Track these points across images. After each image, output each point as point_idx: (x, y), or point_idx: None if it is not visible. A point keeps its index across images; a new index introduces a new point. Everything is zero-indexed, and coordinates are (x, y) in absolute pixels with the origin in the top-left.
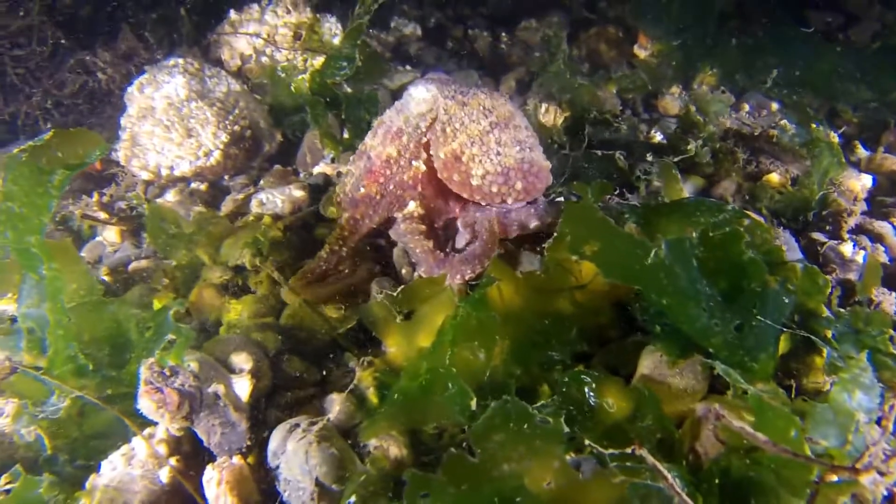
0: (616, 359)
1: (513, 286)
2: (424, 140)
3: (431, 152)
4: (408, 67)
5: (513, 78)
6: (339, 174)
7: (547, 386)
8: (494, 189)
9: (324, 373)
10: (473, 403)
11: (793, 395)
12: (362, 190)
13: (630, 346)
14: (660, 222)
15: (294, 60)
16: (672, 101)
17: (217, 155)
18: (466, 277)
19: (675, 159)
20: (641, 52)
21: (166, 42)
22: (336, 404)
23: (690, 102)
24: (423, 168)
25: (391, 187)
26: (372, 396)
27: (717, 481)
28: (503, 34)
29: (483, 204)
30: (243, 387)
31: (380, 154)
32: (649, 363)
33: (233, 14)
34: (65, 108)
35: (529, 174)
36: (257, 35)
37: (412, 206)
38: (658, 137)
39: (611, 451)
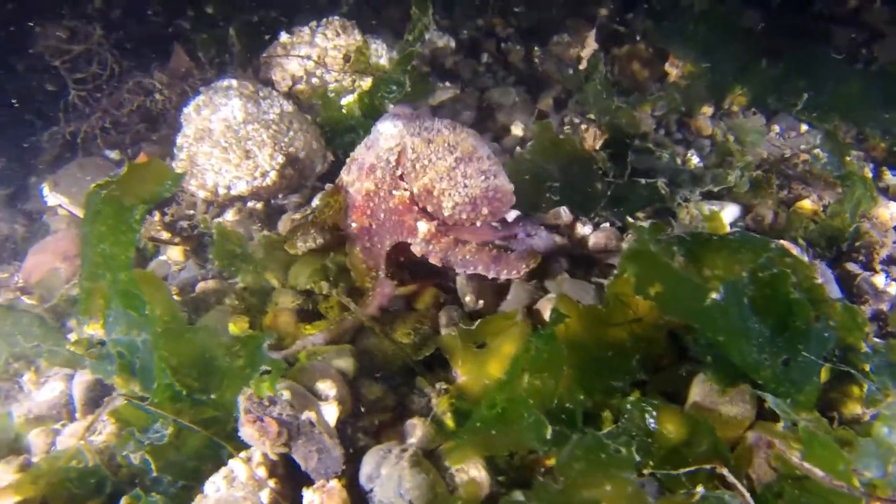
0: (668, 385)
1: (576, 318)
2: (398, 173)
3: (405, 186)
4: (447, 84)
5: (550, 96)
6: None
7: (609, 411)
8: (464, 216)
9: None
10: (549, 432)
11: (834, 425)
12: (354, 225)
13: (682, 374)
14: (706, 256)
15: (342, 81)
16: (705, 122)
17: (273, 175)
18: (522, 273)
19: (716, 189)
20: (673, 70)
21: (217, 62)
22: (418, 429)
23: (729, 132)
24: (407, 194)
25: (382, 216)
26: (449, 421)
27: None
28: (536, 48)
29: (454, 226)
30: (331, 413)
31: (359, 190)
32: (700, 391)
33: (284, 36)
34: (122, 126)
35: (494, 200)
36: (308, 57)
37: (424, 228)
38: (695, 160)
39: (683, 470)
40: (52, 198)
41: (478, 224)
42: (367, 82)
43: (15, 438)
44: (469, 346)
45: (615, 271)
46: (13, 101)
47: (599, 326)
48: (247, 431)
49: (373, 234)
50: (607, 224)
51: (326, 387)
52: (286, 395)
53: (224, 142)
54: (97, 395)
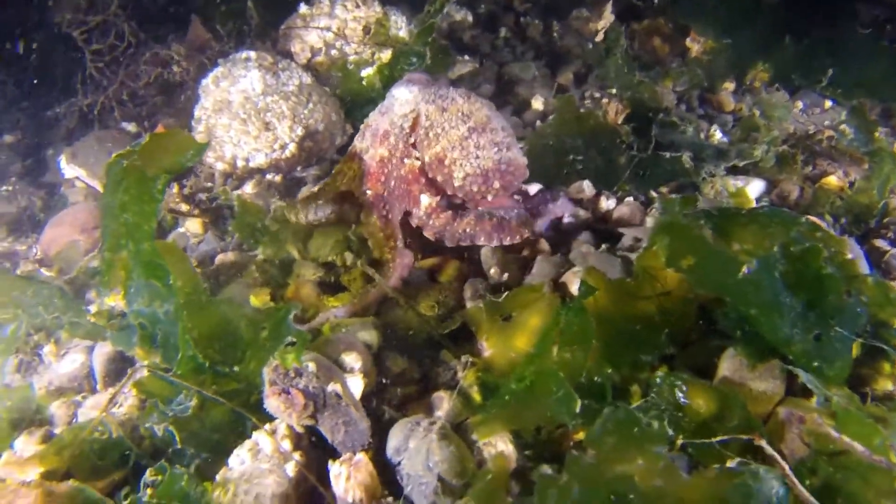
0: (696, 360)
1: (604, 291)
2: (412, 140)
3: (417, 154)
4: (466, 57)
5: (570, 71)
6: None
7: (637, 385)
8: (475, 188)
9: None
10: (578, 406)
11: (866, 402)
12: (369, 192)
13: (710, 349)
14: (735, 231)
15: (362, 54)
16: (727, 97)
17: (292, 147)
18: (524, 237)
19: (741, 164)
20: (694, 46)
21: (235, 34)
22: (444, 403)
23: (755, 107)
24: (418, 163)
25: (393, 183)
26: (475, 395)
27: (806, 483)
28: (555, 22)
29: (465, 199)
30: (356, 385)
31: (373, 156)
32: (730, 366)
33: (303, 8)
34: (139, 98)
35: (507, 173)
36: (328, 29)
37: (426, 201)
38: (718, 135)
39: (718, 438)
40: (69, 170)
41: (489, 198)
42: (386, 54)
43: (36, 410)
44: (495, 319)
45: (642, 244)
46: (31, 73)
47: (628, 299)
48: (272, 403)
49: (386, 202)
50: (630, 198)
51: (352, 359)
52: (312, 366)
53: (243, 113)
54: (118, 367)
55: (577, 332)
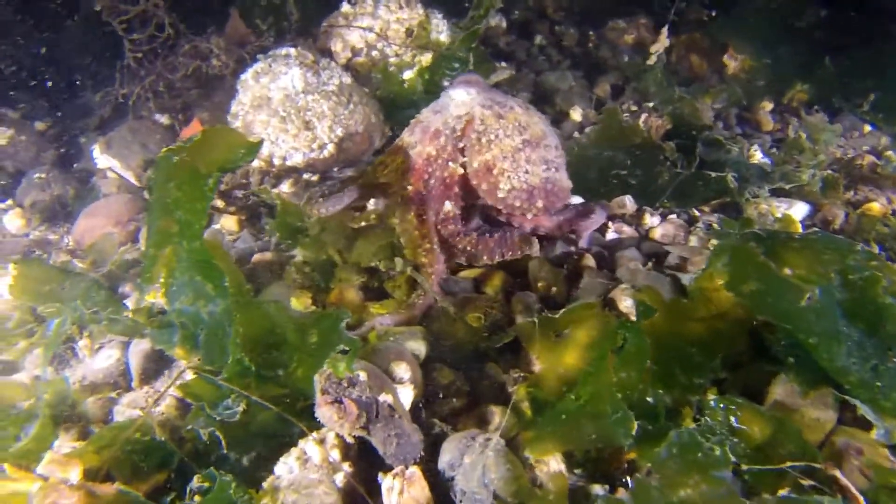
0: (746, 383)
1: (660, 311)
2: (461, 145)
3: (465, 157)
4: (503, 64)
5: (607, 82)
6: None
7: (689, 408)
8: (517, 203)
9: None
10: (635, 427)
11: None
12: (410, 188)
13: (760, 373)
14: (787, 256)
15: (403, 56)
16: (766, 117)
17: (331, 148)
18: (526, 253)
19: (788, 186)
20: (731, 63)
21: (274, 29)
22: (496, 417)
23: (801, 128)
24: (461, 170)
25: (433, 182)
26: (526, 410)
27: None
28: (591, 32)
29: (504, 212)
30: (407, 396)
31: (420, 153)
32: (782, 391)
33: (346, 6)
34: (175, 91)
35: (551, 194)
36: (370, 29)
37: (448, 207)
38: (758, 155)
39: (787, 465)
40: (102, 160)
41: (528, 216)
42: (427, 57)
43: (71, 405)
44: (548, 335)
45: (690, 264)
46: (67, 60)
47: (683, 321)
48: (325, 412)
49: (424, 202)
50: (674, 215)
51: (402, 369)
52: (363, 376)
53: (283, 111)
54: (155, 365)
55: (633, 352)
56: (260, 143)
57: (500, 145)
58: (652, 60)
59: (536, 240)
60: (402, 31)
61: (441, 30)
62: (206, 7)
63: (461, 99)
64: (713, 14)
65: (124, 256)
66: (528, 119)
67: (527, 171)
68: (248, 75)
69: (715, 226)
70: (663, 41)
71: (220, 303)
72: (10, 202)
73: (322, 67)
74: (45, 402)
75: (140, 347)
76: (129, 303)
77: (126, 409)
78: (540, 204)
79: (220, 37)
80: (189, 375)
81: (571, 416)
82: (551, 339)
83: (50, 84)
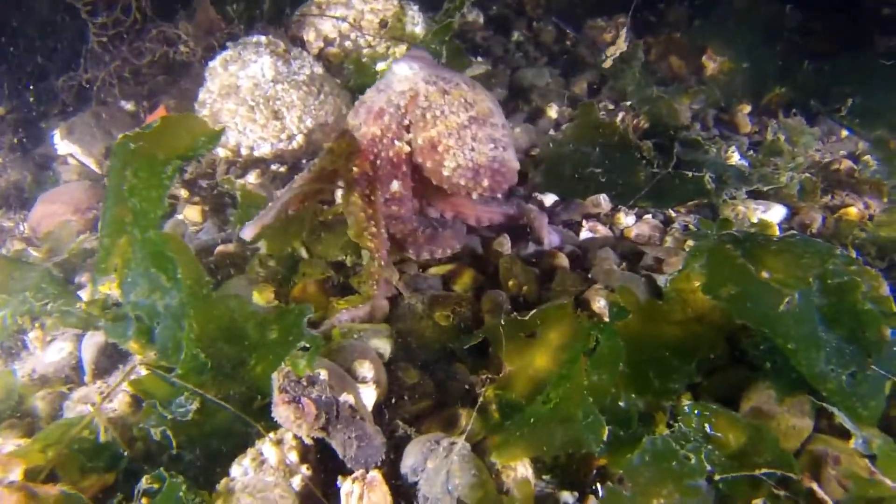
0: (721, 388)
1: (635, 313)
2: (406, 122)
3: (411, 135)
4: (479, 59)
5: (584, 81)
6: None
7: (661, 413)
8: (462, 182)
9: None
10: (606, 433)
11: None
12: (354, 170)
13: (735, 378)
14: (766, 259)
15: (377, 47)
16: (744, 119)
17: (300, 139)
18: (437, 256)
19: (766, 188)
20: (710, 64)
21: (245, 17)
22: (463, 420)
23: (779, 130)
24: (407, 148)
25: (380, 163)
26: (494, 413)
27: None
28: (568, 30)
29: (449, 193)
30: (370, 396)
31: (364, 134)
32: (758, 398)
33: None
34: (141, 77)
35: (497, 174)
36: (344, 19)
37: (395, 186)
38: (735, 157)
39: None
40: (63, 146)
41: (473, 196)
42: (401, 49)
43: (18, 400)
44: (518, 336)
45: (666, 265)
46: (29, 44)
47: (658, 323)
48: (282, 412)
49: (372, 181)
50: (649, 215)
51: (365, 368)
52: (324, 374)
53: (251, 100)
54: (108, 359)
55: (606, 355)
56: (221, 131)
57: (445, 122)
58: (608, 64)
59: (507, 237)
60: (377, 21)
61: (416, 22)
62: None
63: (404, 74)
64: (692, 16)
65: (82, 245)
66: (475, 96)
67: (472, 149)
68: (216, 63)
69: (692, 227)
70: (620, 44)
71: (176, 296)
72: None
73: (293, 57)
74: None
75: (94, 340)
76: (84, 294)
77: (77, 405)
78: (486, 183)
79: (189, 23)
80: (143, 371)
81: (541, 420)
82: (521, 341)
83: (10, 66)
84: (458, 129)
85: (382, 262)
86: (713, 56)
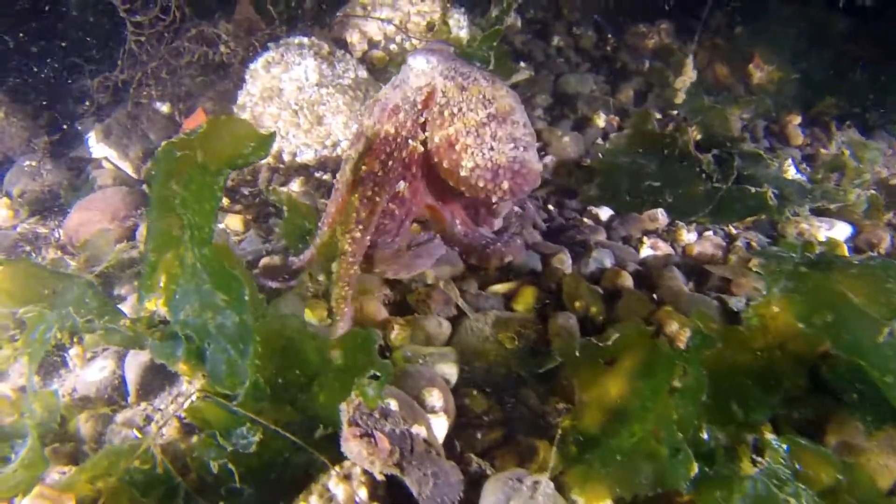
0: (802, 420)
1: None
2: (422, 120)
3: (427, 133)
4: (522, 64)
5: (630, 88)
6: None
7: (745, 447)
8: (481, 184)
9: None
10: (695, 469)
11: None
12: (363, 168)
13: (818, 409)
14: (846, 284)
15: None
16: (795, 131)
17: (345, 146)
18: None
19: (833, 206)
20: (756, 72)
21: (286, 17)
22: (540, 453)
23: (845, 146)
24: (421, 148)
25: (391, 163)
26: (570, 446)
27: None
28: (609, 36)
29: (467, 195)
30: (441, 427)
31: (378, 132)
32: (845, 431)
33: None
34: (178, 78)
35: (518, 175)
36: (390, 21)
37: (401, 187)
38: (792, 171)
39: None
40: (98, 149)
41: (493, 198)
42: None
43: (60, 422)
44: (595, 362)
45: (737, 287)
46: (62, 42)
47: (739, 351)
48: (353, 448)
49: (379, 183)
50: (710, 232)
51: (434, 397)
52: (394, 405)
53: (295, 104)
54: (154, 379)
55: (690, 385)
56: (272, 136)
57: (463, 119)
58: (679, 99)
59: (567, 252)
60: (424, 24)
61: (461, 25)
62: None
63: (421, 68)
64: (732, 21)
65: (121, 255)
66: (495, 92)
67: (492, 149)
68: (258, 64)
69: (754, 244)
70: (689, 73)
71: (234, 316)
72: None
73: (337, 59)
74: (36, 421)
75: (138, 359)
76: (126, 308)
77: (122, 429)
78: (505, 185)
79: (228, 22)
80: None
81: (624, 454)
82: (597, 368)
83: (45, 66)
84: (477, 128)
85: (350, 272)
86: (760, 64)
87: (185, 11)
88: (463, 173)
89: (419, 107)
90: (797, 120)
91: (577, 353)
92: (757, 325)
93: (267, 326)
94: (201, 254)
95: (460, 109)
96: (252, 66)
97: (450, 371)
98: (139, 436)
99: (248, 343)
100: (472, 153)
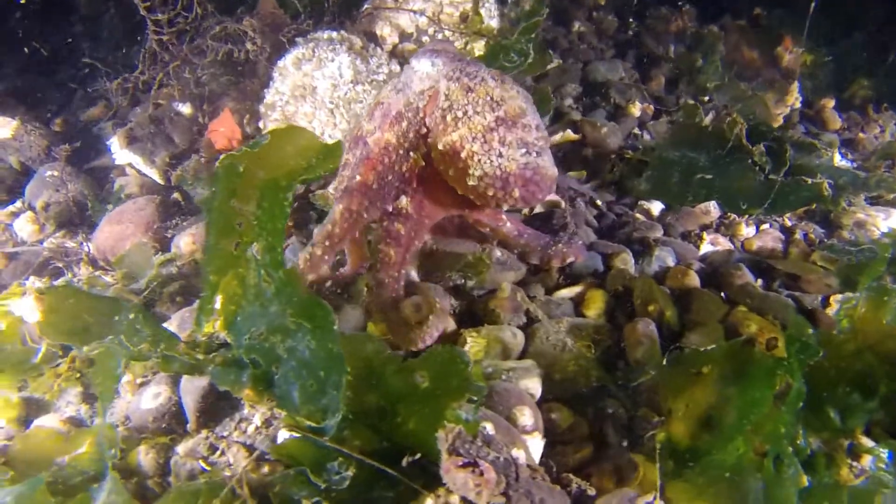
0: (890, 422)
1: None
2: (424, 130)
3: (430, 139)
4: (550, 53)
5: (661, 75)
6: None
7: (842, 454)
8: (490, 193)
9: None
10: (804, 483)
11: None
12: (358, 178)
13: None
14: None
15: (454, 43)
16: (833, 115)
17: None
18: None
19: (892, 195)
20: (785, 55)
21: (310, 10)
22: (641, 469)
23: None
24: (422, 162)
25: (389, 177)
26: (668, 461)
27: None
28: (631, 20)
29: (478, 203)
30: (536, 448)
31: (378, 141)
32: None
33: None
34: (202, 77)
35: (531, 183)
36: (422, 12)
37: (403, 202)
38: (837, 158)
39: None
40: (122, 155)
41: (504, 207)
42: (479, 45)
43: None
44: (689, 373)
45: (805, 283)
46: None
47: (833, 356)
48: (458, 479)
49: (370, 196)
50: (766, 225)
51: (526, 416)
52: (489, 428)
53: (330, 102)
54: (214, 404)
55: (792, 395)
56: (339, 146)
57: (468, 123)
58: (778, 121)
59: (629, 252)
60: (457, 15)
61: (493, 15)
62: None
63: (425, 71)
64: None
65: (161, 270)
66: (503, 93)
67: (500, 155)
68: (287, 61)
69: (812, 236)
70: (794, 93)
71: (303, 339)
72: (19, 204)
73: (370, 54)
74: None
75: (195, 385)
76: (171, 326)
77: (186, 460)
78: (517, 193)
79: (253, 18)
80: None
81: (732, 470)
82: (692, 378)
83: (57, 69)
84: (484, 132)
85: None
86: (789, 47)
87: (206, 7)
88: (471, 182)
89: (422, 114)
90: (831, 104)
91: (671, 364)
92: (847, 328)
93: (351, 347)
94: (277, 276)
95: (465, 113)
96: (280, 62)
97: (534, 386)
98: (207, 468)
99: (338, 374)
100: (480, 160)
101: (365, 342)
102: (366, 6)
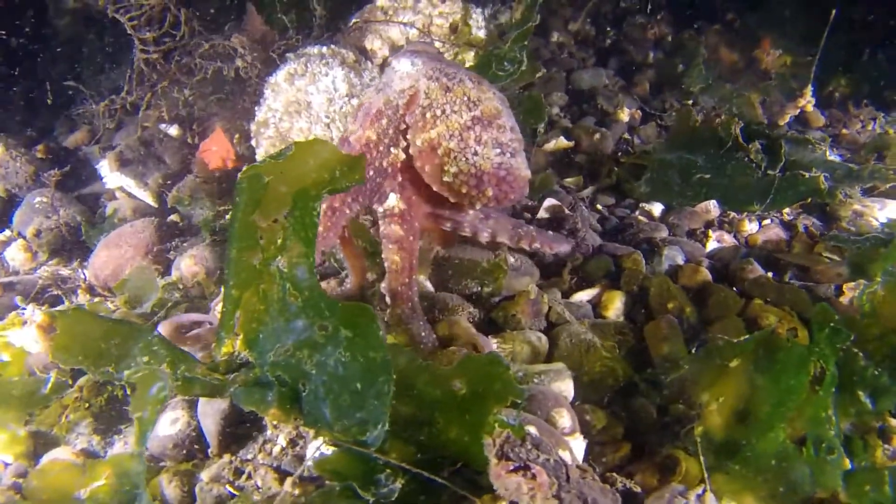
0: None
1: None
2: (403, 126)
3: (409, 136)
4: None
5: (645, 80)
6: None
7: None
8: (464, 190)
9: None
10: (847, 466)
11: None
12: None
13: None
14: None
15: (444, 54)
16: (816, 113)
17: None
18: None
19: (886, 186)
20: (764, 56)
21: (297, 26)
22: (682, 464)
23: (888, 124)
24: (402, 156)
25: (370, 173)
26: (708, 453)
27: None
28: (608, 28)
29: (451, 200)
30: (579, 448)
31: (359, 138)
32: None
33: (382, 0)
34: (190, 97)
35: (504, 182)
36: (412, 25)
37: (393, 201)
38: (828, 153)
39: None
40: (113, 178)
41: (477, 206)
42: (469, 56)
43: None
44: (719, 364)
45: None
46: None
47: (862, 339)
48: (510, 483)
49: (353, 192)
50: (767, 220)
51: (565, 418)
52: (533, 431)
53: (326, 117)
54: (237, 426)
55: (827, 380)
56: (363, 158)
57: (446, 122)
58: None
59: (640, 253)
60: (447, 26)
61: (479, 25)
62: (221, 2)
63: (405, 71)
64: (726, 5)
65: (165, 295)
66: (480, 94)
67: (476, 153)
68: (279, 77)
69: (812, 229)
70: (809, 96)
71: (334, 353)
72: (7, 232)
73: (363, 67)
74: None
75: (215, 407)
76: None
77: (212, 486)
78: (490, 192)
79: (241, 34)
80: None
81: (776, 458)
82: (725, 371)
83: (37, 90)
84: (461, 130)
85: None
86: (768, 49)
87: (193, 26)
88: (446, 178)
89: (402, 111)
90: (809, 101)
91: (702, 357)
92: (870, 312)
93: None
94: (307, 287)
95: (444, 111)
96: (272, 79)
97: (567, 388)
98: (235, 493)
99: (383, 381)
100: (456, 158)
101: (397, 353)
102: (353, 20)
